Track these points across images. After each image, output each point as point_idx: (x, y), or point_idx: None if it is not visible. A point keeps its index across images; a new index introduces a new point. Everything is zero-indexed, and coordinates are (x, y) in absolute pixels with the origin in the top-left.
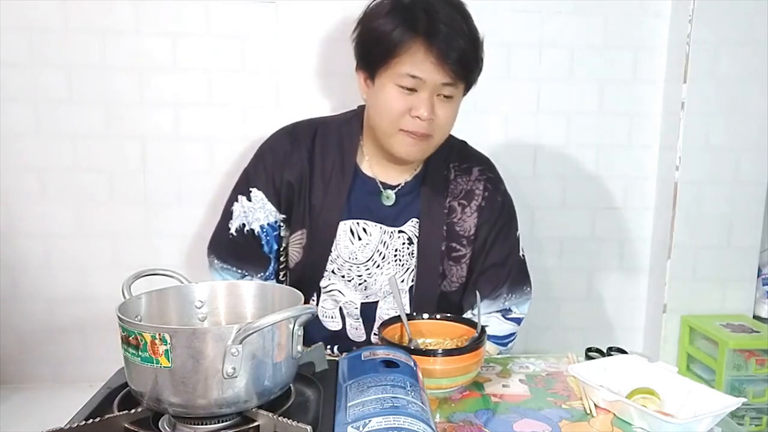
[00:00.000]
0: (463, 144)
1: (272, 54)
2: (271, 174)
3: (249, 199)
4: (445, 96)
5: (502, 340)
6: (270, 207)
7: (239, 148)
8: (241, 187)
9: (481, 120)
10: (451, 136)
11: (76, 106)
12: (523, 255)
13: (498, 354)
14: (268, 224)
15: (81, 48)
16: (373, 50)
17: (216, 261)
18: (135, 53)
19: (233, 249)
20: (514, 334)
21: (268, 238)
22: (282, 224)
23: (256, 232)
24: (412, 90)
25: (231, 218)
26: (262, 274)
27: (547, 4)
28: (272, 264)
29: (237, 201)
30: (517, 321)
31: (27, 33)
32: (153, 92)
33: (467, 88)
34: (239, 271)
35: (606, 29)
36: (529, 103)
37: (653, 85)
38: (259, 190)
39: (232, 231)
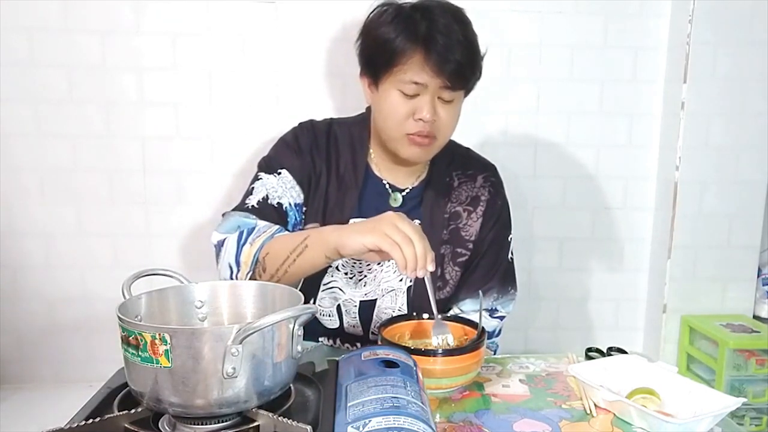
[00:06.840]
0: (467, 150)
1: (272, 54)
2: (298, 156)
3: (276, 177)
4: (445, 100)
5: (490, 335)
6: (299, 189)
7: (239, 148)
8: (265, 169)
9: (481, 120)
10: (454, 143)
11: (76, 106)
12: (511, 258)
13: (488, 347)
14: (296, 204)
15: (81, 48)
16: (376, 58)
17: (231, 211)
18: (135, 53)
19: (254, 214)
20: (499, 329)
21: (295, 219)
22: (304, 214)
23: (284, 206)
24: (414, 95)
25: (251, 194)
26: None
27: (547, 4)
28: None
29: (259, 179)
30: (501, 318)
31: (27, 33)
32: (153, 92)
33: (467, 92)
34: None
35: (606, 29)
36: (529, 103)
37: (653, 85)
38: (288, 171)
39: (253, 203)
